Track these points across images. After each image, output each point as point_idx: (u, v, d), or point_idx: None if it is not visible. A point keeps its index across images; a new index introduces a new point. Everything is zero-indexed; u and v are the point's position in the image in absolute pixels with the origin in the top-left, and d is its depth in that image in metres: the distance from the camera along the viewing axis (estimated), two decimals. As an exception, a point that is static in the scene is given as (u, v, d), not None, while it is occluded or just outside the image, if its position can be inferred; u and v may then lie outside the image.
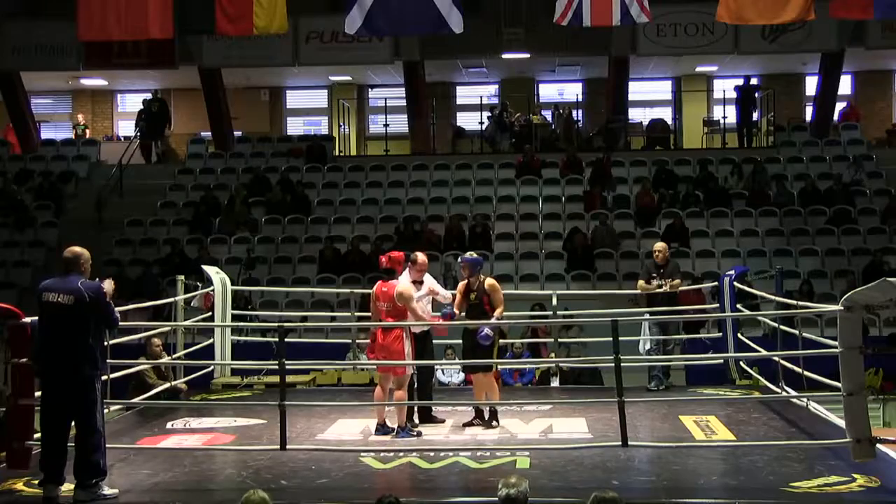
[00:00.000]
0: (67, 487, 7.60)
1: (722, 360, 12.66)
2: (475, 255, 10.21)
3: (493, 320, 9.72)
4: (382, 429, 9.66)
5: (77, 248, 7.85)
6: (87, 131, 26.00)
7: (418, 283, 10.18)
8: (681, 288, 12.80)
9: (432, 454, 8.71)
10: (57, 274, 7.87)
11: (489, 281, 9.98)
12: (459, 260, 10.59)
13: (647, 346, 12.51)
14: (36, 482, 7.68)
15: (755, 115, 23.98)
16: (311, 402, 11.58)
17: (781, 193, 21.16)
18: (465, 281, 10.06)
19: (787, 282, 15.44)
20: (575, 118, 24.66)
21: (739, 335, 12.51)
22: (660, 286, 12.28)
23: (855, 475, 7.68)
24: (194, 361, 12.68)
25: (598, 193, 21.26)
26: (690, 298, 14.34)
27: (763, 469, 8.08)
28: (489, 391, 10.06)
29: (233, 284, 13.47)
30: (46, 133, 26.27)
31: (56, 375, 7.57)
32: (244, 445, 9.22)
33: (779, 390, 10.82)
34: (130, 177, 23.32)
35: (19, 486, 7.86)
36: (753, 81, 23.86)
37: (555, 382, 13.85)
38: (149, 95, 24.59)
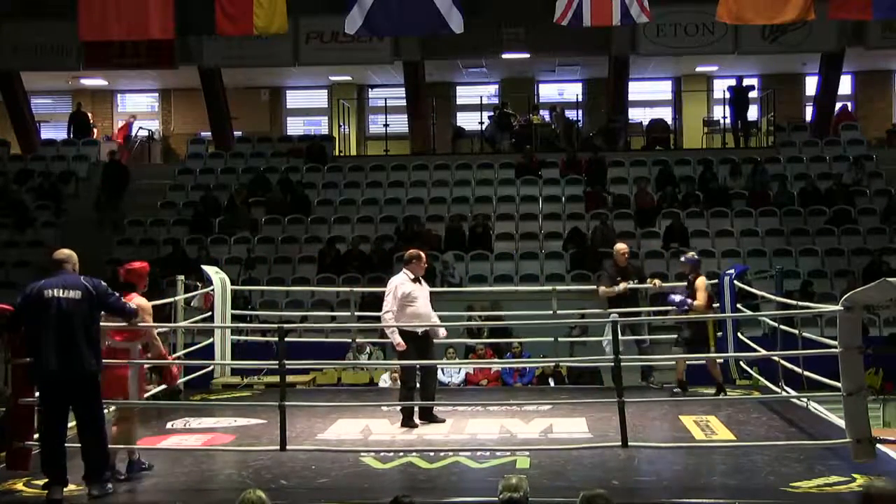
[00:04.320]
0: (68, 488, 7.60)
1: (722, 360, 12.64)
2: (692, 255, 11.97)
3: (685, 300, 11.42)
4: (136, 465, 8.24)
5: (67, 250, 7.90)
6: (96, 130, 25.99)
7: (418, 280, 10.17)
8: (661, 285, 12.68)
9: (432, 454, 8.70)
10: (49, 274, 7.79)
11: (699, 280, 11.51)
12: (682, 259, 12.27)
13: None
14: (38, 483, 7.67)
15: (752, 115, 23.97)
16: (311, 402, 11.57)
17: (781, 193, 21.17)
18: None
19: (787, 282, 15.43)
20: (572, 118, 24.58)
21: (739, 335, 12.50)
22: (611, 284, 12.23)
23: (855, 475, 7.68)
24: (194, 361, 12.67)
25: (598, 193, 21.25)
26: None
27: (763, 469, 8.08)
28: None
29: (233, 284, 13.46)
30: (46, 133, 26.24)
31: (63, 371, 7.51)
32: (244, 445, 9.21)
33: (779, 390, 10.82)
34: (130, 177, 23.32)
35: (19, 486, 7.86)
36: (747, 82, 23.81)
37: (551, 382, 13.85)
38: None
